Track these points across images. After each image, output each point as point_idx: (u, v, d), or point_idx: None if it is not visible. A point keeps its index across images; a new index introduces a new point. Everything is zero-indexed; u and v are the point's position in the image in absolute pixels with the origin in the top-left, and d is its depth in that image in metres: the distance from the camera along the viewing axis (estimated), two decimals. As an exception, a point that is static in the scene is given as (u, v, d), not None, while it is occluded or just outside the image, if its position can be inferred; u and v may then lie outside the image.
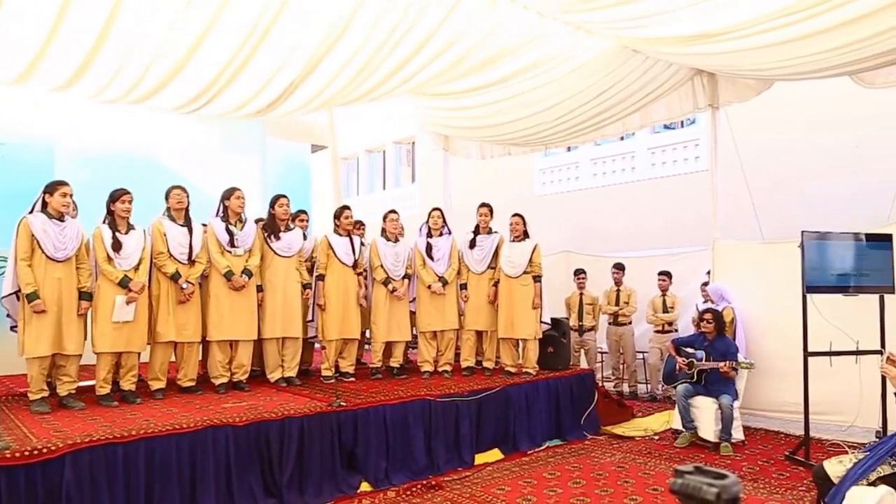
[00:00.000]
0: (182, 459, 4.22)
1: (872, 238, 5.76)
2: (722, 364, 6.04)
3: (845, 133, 8.92)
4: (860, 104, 8.29)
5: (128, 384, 5.29)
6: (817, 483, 3.75)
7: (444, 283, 6.71)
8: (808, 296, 5.59)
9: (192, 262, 5.61)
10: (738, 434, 6.12)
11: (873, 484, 3.29)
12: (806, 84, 7.66)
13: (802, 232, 5.58)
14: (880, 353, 5.29)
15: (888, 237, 5.75)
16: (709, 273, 7.63)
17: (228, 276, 5.69)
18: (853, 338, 5.63)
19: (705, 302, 7.64)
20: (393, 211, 6.89)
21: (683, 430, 6.20)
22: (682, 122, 11.26)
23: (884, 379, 5.12)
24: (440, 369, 6.80)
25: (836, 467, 3.61)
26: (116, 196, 5.21)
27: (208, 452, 4.32)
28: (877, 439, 4.75)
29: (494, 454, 5.88)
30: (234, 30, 4.73)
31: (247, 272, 5.80)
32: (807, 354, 5.62)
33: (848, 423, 6.11)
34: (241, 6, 4.54)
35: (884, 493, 2.39)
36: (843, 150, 8.93)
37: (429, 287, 6.68)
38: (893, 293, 5.65)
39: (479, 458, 5.72)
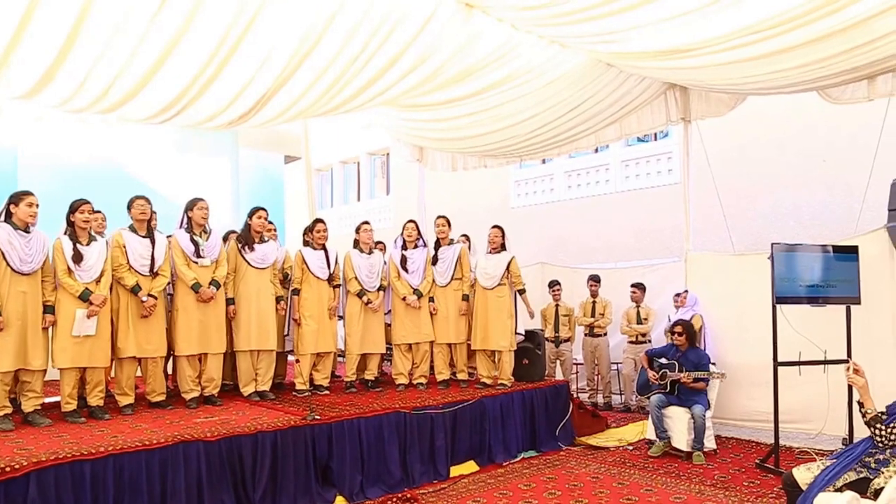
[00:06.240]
0: (152, 476, 4.14)
1: (839, 250, 5.88)
2: (682, 376, 6.11)
3: (813, 147, 9.10)
4: (827, 119, 8.47)
5: (95, 400, 5.18)
6: (786, 490, 3.80)
7: (419, 295, 6.69)
8: (778, 306, 5.68)
9: (154, 274, 5.51)
10: (710, 443, 6.17)
11: (840, 490, 3.35)
12: (775, 99, 7.81)
13: (772, 244, 5.68)
14: (847, 362, 5.40)
15: (854, 249, 5.87)
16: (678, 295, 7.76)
17: (196, 288, 5.61)
18: (821, 347, 5.72)
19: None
20: (366, 222, 6.87)
21: (657, 439, 6.24)
22: (655, 135, 11.41)
23: (850, 388, 5.21)
24: (415, 382, 6.78)
25: (804, 474, 3.67)
26: (76, 206, 5.10)
27: (179, 468, 4.25)
28: (843, 446, 4.82)
29: (470, 466, 5.87)
30: (204, 40, 4.68)
31: (214, 283, 5.72)
32: (776, 364, 5.70)
33: (816, 430, 6.21)
34: (211, 17, 4.50)
35: (849, 499, 2.45)
36: (812, 164, 9.11)
37: (403, 299, 6.67)
38: (859, 304, 5.77)
39: (455, 471, 5.71)
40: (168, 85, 5.08)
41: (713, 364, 6.38)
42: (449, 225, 6.99)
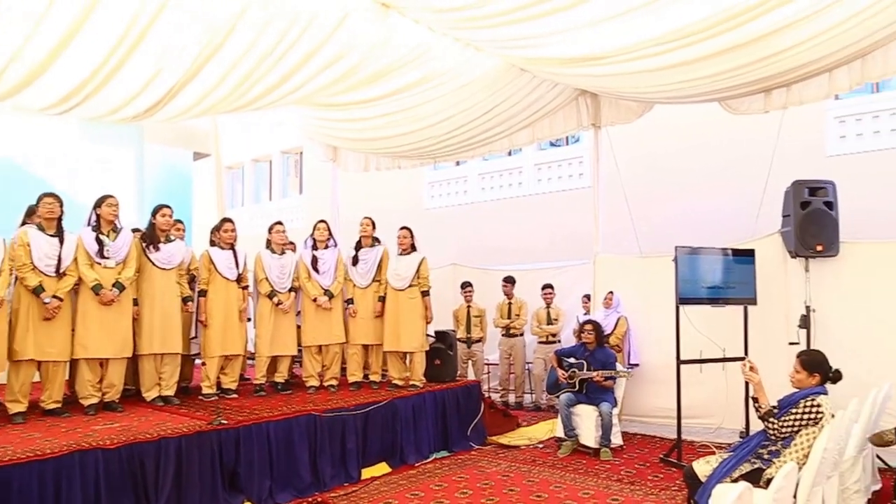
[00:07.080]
0: (45, 488, 3.90)
1: (738, 253, 6.18)
2: (595, 374, 6.28)
3: (716, 155, 9.53)
4: (731, 131, 8.88)
5: (-18, 408, 4.87)
6: (688, 482, 3.97)
7: (330, 296, 6.60)
8: (681, 307, 5.90)
9: (61, 274, 5.23)
10: (616, 439, 6.36)
11: (736, 481, 3.52)
12: (684, 111, 8.13)
13: (676, 247, 5.89)
14: (744, 360, 5.69)
15: (751, 252, 6.20)
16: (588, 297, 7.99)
17: (97, 289, 5.33)
18: (720, 346, 5.99)
19: (586, 314, 7.93)
20: (279, 222, 6.74)
21: (566, 437, 6.38)
22: (567, 140, 11.69)
23: (747, 384, 5.48)
24: (326, 384, 6.67)
25: (703, 467, 3.85)
26: None
27: (75, 479, 4.02)
28: (740, 439, 5.07)
29: (381, 468, 5.82)
30: (107, 28, 4.46)
31: (118, 285, 5.45)
32: (679, 362, 5.92)
33: (716, 425, 6.51)
34: (115, 4, 4.30)
35: (742, 489, 2.59)
36: (714, 171, 9.53)
37: (314, 300, 6.56)
38: (756, 304, 6.08)
39: (366, 473, 5.65)
40: (68, 73, 4.81)
41: (637, 365, 6.60)
42: (373, 226, 6.94)
